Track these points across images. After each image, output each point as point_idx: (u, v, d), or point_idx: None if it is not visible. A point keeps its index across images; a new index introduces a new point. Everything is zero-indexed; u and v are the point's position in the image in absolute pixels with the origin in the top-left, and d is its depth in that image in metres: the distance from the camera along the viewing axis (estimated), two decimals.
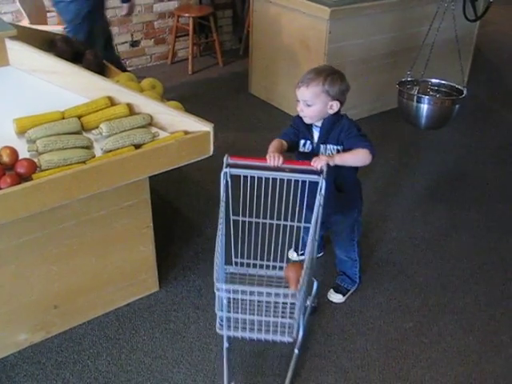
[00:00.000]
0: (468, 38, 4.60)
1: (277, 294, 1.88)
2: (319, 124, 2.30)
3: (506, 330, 2.52)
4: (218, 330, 2.02)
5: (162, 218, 2.54)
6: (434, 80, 3.30)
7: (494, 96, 5.03)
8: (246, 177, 2.13)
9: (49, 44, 2.85)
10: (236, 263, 2.31)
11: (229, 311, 1.93)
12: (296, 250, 2.83)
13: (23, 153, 2.04)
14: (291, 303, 1.93)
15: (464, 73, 3.37)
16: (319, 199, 2.04)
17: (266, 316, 1.95)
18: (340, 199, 2.41)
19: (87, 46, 2.95)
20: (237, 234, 2.21)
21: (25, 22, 4.12)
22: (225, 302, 1.91)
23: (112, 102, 2.25)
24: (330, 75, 2.22)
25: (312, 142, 2.34)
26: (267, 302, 1.90)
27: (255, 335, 2.00)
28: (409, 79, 3.27)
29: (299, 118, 2.33)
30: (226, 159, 2.12)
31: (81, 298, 2.43)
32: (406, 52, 4.07)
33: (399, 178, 3.64)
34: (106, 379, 2.25)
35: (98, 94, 2.24)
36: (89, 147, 2.11)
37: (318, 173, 2.08)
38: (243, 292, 1.87)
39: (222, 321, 1.99)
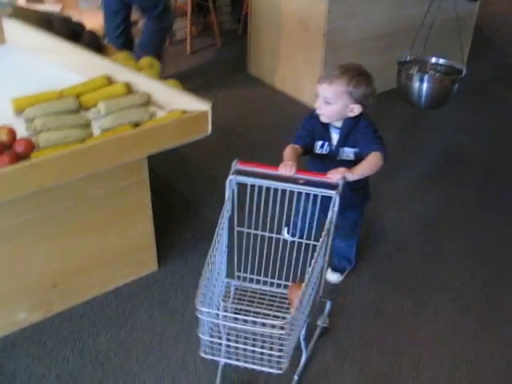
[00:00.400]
0: (468, 17, 4.58)
1: (263, 324, 1.70)
2: (339, 125, 2.19)
3: (503, 309, 2.54)
4: (201, 354, 1.88)
5: (160, 198, 2.54)
6: (433, 59, 3.29)
7: (494, 76, 5.01)
8: (253, 185, 1.99)
9: (46, 24, 2.82)
10: (239, 277, 2.20)
11: (212, 336, 1.82)
12: (288, 227, 2.65)
13: (21, 132, 2.04)
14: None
15: (464, 52, 3.36)
16: (331, 216, 1.91)
17: (252, 346, 1.81)
18: (352, 198, 2.30)
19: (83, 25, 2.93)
20: (241, 246, 2.13)
21: (21, 2, 4.09)
22: (207, 326, 1.81)
23: (110, 80, 2.24)
24: (357, 76, 2.10)
25: (330, 144, 2.23)
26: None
27: (242, 364, 1.86)
28: (408, 58, 3.26)
29: (313, 117, 2.22)
30: (235, 164, 1.97)
31: (80, 277, 2.44)
32: (405, 32, 4.03)
33: (397, 158, 3.63)
34: (105, 357, 2.27)
35: (96, 72, 2.24)
36: (87, 126, 2.10)
37: (333, 186, 1.92)
38: (226, 319, 1.76)
39: (205, 345, 1.86)
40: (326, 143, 2.23)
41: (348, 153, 2.21)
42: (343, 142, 2.20)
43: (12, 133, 1.98)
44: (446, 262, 2.80)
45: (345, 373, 2.24)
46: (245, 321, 1.72)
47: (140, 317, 2.44)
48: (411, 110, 3.76)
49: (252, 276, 2.18)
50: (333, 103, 2.11)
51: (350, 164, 2.10)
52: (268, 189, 1.96)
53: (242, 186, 2.01)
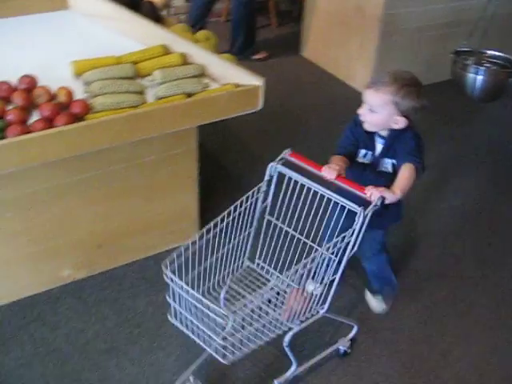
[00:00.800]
0: None
1: (211, 310, 1.66)
2: (384, 134, 2.05)
3: None
4: (169, 318, 1.83)
5: (205, 170, 2.58)
6: (490, 51, 3.24)
7: None
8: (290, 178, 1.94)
9: None
10: (258, 264, 2.12)
11: (175, 302, 1.77)
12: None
13: (78, 94, 2.10)
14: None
15: None
16: (354, 231, 1.80)
17: (204, 324, 1.74)
18: (382, 216, 2.11)
19: None
20: (265, 234, 2.06)
21: None
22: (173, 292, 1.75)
23: (167, 50, 2.29)
24: (406, 86, 1.93)
25: (373, 154, 2.08)
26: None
27: (196, 339, 1.78)
28: (464, 49, 3.22)
29: (358, 125, 2.07)
30: (284, 153, 1.94)
31: (124, 239, 2.52)
32: (463, 23, 3.96)
33: (445, 149, 3.60)
34: (142, 318, 2.35)
35: (154, 42, 2.29)
36: (141, 93, 2.16)
37: (364, 202, 1.80)
38: (187, 292, 1.70)
39: (172, 310, 1.82)
40: (370, 153, 2.09)
41: (387, 164, 2.08)
42: (385, 153, 2.06)
43: (70, 94, 2.05)
44: (485, 255, 2.79)
45: (374, 357, 2.26)
46: (198, 301, 1.68)
47: None
48: (463, 102, 3.72)
49: (269, 268, 2.10)
50: (377, 112, 1.97)
51: (388, 176, 2.02)
52: (303, 186, 1.89)
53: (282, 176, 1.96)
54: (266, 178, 1.95)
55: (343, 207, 1.86)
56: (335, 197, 1.84)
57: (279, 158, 1.93)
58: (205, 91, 2.20)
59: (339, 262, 1.87)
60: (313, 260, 1.81)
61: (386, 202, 1.82)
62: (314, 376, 2.17)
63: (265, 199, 1.99)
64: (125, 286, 2.50)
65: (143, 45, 2.29)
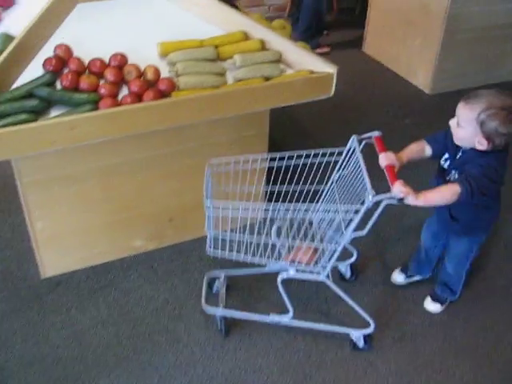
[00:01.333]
0: None
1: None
2: (467, 148, 2.01)
3: None
4: (207, 253, 2.10)
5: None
6: None
7: None
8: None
9: None
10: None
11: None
12: (404, 271, 2.59)
13: (164, 73, 2.24)
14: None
15: None
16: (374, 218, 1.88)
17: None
18: (454, 226, 2.21)
19: None
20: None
21: None
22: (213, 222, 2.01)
23: (246, 36, 2.41)
24: (494, 109, 1.85)
25: (452, 162, 2.08)
26: None
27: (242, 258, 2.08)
28: None
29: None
30: (372, 134, 2.04)
31: (194, 215, 2.63)
32: None
33: None
34: None
35: (234, 27, 2.41)
36: (222, 74, 2.29)
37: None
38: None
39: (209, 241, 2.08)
40: (450, 160, 2.09)
41: (453, 177, 2.07)
42: (457, 166, 2.05)
43: (157, 72, 2.20)
44: None
45: (430, 338, 2.34)
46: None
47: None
48: None
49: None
50: (462, 127, 1.94)
51: None
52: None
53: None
54: (347, 147, 2.07)
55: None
56: (367, 181, 1.90)
57: (367, 135, 2.04)
58: (281, 76, 2.32)
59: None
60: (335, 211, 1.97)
61: (406, 202, 1.86)
62: (371, 352, 2.27)
63: (340, 168, 2.12)
64: (192, 260, 2.63)
65: (224, 30, 2.42)
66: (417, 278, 2.58)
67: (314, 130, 3.66)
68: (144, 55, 2.25)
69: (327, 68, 2.30)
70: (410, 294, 2.53)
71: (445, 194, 1.94)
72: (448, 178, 2.11)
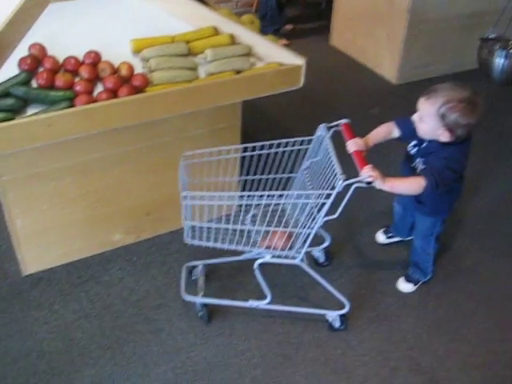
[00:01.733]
0: None
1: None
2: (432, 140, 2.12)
3: None
4: (185, 241, 2.18)
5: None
6: None
7: None
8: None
9: None
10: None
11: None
12: (385, 232, 2.79)
13: (138, 69, 2.30)
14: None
15: None
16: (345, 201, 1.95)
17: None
18: (422, 209, 2.34)
19: None
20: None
21: None
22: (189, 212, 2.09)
23: (216, 31, 2.47)
24: (453, 102, 1.96)
25: (418, 150, 2.19)
26: None
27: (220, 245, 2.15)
28: (491, 36, 3.36)
29: None
30: (340, 121, 2.14)
31: (170, 208, 2.70)
32: (489, 13, 4.06)
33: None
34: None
35: (204, 23, 2.47)
36: (194, 69, 2.35)
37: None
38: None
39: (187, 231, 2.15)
40: (417, 148, 2.20)
41: (418, 166, 2.18)
42: (422, 154, 2.16)
43: (131, 68, 2.25)
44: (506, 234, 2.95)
45: (403, 317, 2.44)
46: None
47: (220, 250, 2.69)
48: (491, 90, 3.84)
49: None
50: (424, 121, 2.05)
51: None
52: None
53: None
54: (316, 135, 2.16)
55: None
56: (336, 165, 1.98)
57: (335, 123, 2.14)
58: (251, 69, 2.39)
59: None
60: (307, 196, 2.07)
61: (375, 185, 1.96)
62: (348, 332, 2.35)
63: (310, 156, 2.21)
64: (171, 251, 2.69)
65: (194, 26, 2.48)
66: (397, 238, 2.76)
67: (284, 122, 3.74)
68: (118, 52, 2.30)
69: (296, 60, 2.38)
70: (383, 275, 2.63)
71: (410, 186, 2.08)
72: (413, 165, 2.22)
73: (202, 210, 2.06)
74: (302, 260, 2.20)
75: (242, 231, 2.13)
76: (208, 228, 2.13)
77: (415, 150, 2.21)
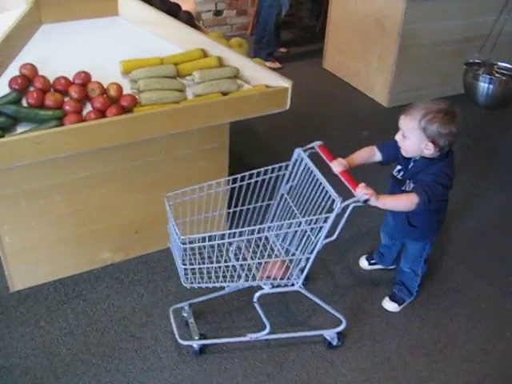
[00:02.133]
0: None
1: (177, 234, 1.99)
2: (417, 158, 2.18)
3: None
4: (168, 243, 2.16)
5: (233, 168, 2.79)
6: (500, 63, 3.45)
7: None
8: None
9: (147, 3, 3.14)
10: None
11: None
12: (368, 259, 2.81)
13: (126, 90, 2.34)
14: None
15: None
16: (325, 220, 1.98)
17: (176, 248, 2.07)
18: (413, 233, 2.37)
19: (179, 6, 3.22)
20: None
21: None
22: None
23: (205, 54, 2.52)
24: (431, 113, 2.03)
25: (405, 173, 2.23)
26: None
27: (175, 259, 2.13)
28: (476, 61, 3.43)
29: None
30: (315, 144, 2.18)
31: (159, 227, 2.70)
32: (478, 39, 4.15)
33: (460, 156, 3.79)
34: (175, 297, 2.56)
35: (193, 46, 2.52)
36: (182, 90, 2.39)
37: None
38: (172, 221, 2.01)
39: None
40: (403, 171, 2.24)
41: (409, 186, 2.21)
42: (410, 176, 2.21)
43: (119, 89, 2.29)
44: (495, 253, 2.98)
45: (387, 337, 2.46)
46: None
47: None
48: (477, 113, 3.90)
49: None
50: (408, 137, 2.10)
51: None
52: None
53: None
54: (292, 160, 2.20)
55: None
56: (329, 188, 2.00)
57: (309, 146, 2.18)
58: (239, 91, 2.43)
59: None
60: (291, 225, 2.06)
61: (370, 203, 1.99)
62: (332, 352, 2.37)
63: (288, 180, 2.24)
64: (158, 270, 2.72)
65: (183, 48, 2.52)
66: (380, 266, 2.77)
67: (276, 144, 3.78)
68: (107, 73, 2.34)
69: (282, 82, 2.43)
70: (369, 296, 2.65)
71: (403, 202, 2.10)
72: (403, 188, 2.24)
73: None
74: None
75: (237, 266, 2.13)
76: (207, 268, 2.09)
77: (401, 173, 2.26)
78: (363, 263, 2.82)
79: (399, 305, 2.59)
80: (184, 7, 3.06)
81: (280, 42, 5.15)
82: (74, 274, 2.66)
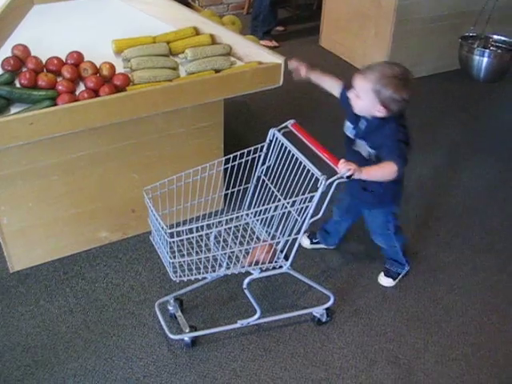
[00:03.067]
0: None
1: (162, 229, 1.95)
2: (369, 118, 2.16)
3: None
4: (150, 237, 2.16)
5: (229, 147, 2.80)
6: (495, 36, 3.42)
7: None
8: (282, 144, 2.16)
9: None
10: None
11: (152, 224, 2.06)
12: (310, 237, 2.78)
13: (119, 69, 2.35)
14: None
15: None
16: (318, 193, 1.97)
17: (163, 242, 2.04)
18: (367, 198, 2.35)
19: None
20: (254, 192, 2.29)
21: None
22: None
23: (197, 31, 2.53)
24: (388, 78, 2.02)
25: (356, 131, 2.23)
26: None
27: (160, 255, 2.11)
28: (471, 34, 3.41)
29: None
30: (288, 123, 2.16)
31: (156, 205, 2.75)
32: (474, 13, 4.13)
33: (455, 132, 3.80)
34: None
35: (185, 24, 2.53)
36: (175, 68, 2.40)
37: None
38: (154, 215, 1.99)
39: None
40: (352, 128, 2.24)
41: (362, 148, 2.20)
42: (363, 136, 2.20)
43: (112, 68, 2.30)
44: (491, 227, 2.99)
45: (383, 311, 2.48)
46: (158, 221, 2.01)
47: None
48: (473, 89, 3.89)
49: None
50: (361, 98, 2.09)
51: (363, 160, 2.16)
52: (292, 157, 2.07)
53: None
54: (267, 141, 2.19)
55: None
56: (309, 165, 1.99)
57: (282, 125, 2.16)
58: (231, 68, 2.44)
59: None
60: (276, 208, 2.01)
61: (354, 177, 1.96)
62: (328, 326, 2.40)
63: (264, 162, 2.22)
64: (155, 249, 2.73)
65: (175, 27, 2.53)
66: (322, 245, 2.77)
67: (271, 123, 3.73)
68: (100, 53, 2.35)
69: (275, 59, 2.43)
70: (365, 270, 2.67)
71: (384, 171, 2.06)
72: (354, 147, 2.24)
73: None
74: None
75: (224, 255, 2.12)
76: (193, 260, 2.05)
77: (353, 132, 2.24)
78: (305, 242, 2.78)
79: (394, 279, 2.61)
80: None
81: (276, 19, 5.12)
82: (73, 253, 2.69)
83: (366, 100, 2.08)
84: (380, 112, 2.08)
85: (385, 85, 2.02)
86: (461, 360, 2.30)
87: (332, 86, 2.35)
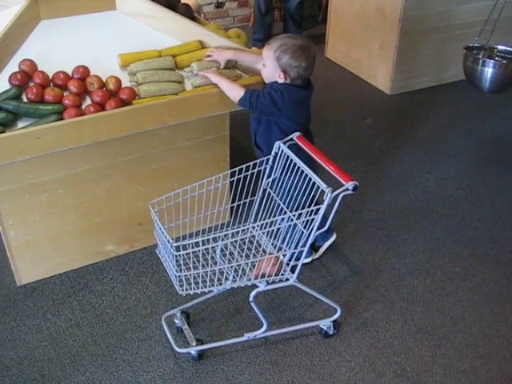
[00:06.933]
0: None
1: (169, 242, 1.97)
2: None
3: None
4: (156, 251, 2.18)
5: (235, 159, 2.81)
6: (500, 46, 3.42)
7: None
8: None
9: None
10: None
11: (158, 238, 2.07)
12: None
13: (125, 83, 2.36)
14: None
15: None
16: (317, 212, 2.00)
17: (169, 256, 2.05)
18: (259, 153, 2.44)
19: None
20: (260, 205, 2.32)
21: None
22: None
23: (202, 45, 2.54)
24: (286, 46, 2.22)
25: None
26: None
27: (166, 268, 2.12)
28: (476, 45, 3.41)
29: None
30: (293, 135, 2.21)
31: (162, 218, 2.76)
32: (477, 24, 4.13)
33: (462, 142, 3.79)
34: None
35: (191, 37, 2.54)
36: (181, 82, 2.41)
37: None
38: (160, 228, 2.02)
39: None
40: None
41: None
42: None
43: (118, 82, 2.31)
44: (497, 237, 2.97)
45: (390, 323, 2.47)
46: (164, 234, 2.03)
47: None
48: (479, 100, 3.88)
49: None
50: (265, 65, 2.30)
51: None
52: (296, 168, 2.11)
53: None
54: (272, 154, 2.21)
55: None
56: (317, 179, 2.00)
57: (288, 138, 2.20)
58: (237, 81, 2.44)
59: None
60: (282, 220, 2.07)
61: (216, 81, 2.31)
62: (335, 338, 2.39)
63: (270, 174, 2.25)
64: (162, 261, 2.73)
65: (181, 41, 2.55)
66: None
67: None
68: (106, 67, 2.37)
69: None
70: (371, 283, 2.66)
71: (231, 89, 2.31)
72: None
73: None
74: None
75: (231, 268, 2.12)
76: (202, 273, 2.05)
77: None
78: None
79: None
80: (184, 0, 3.08)
81: (269, 30, 5.16)
82: (80, 266, 2.69)
83: (269, 67, 2.28)
84: (281, 78, 2.26)
85: (284, 51, 2.21)
86: (470, 372, 2.28)
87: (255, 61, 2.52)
